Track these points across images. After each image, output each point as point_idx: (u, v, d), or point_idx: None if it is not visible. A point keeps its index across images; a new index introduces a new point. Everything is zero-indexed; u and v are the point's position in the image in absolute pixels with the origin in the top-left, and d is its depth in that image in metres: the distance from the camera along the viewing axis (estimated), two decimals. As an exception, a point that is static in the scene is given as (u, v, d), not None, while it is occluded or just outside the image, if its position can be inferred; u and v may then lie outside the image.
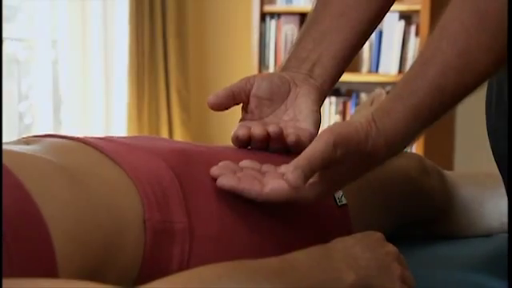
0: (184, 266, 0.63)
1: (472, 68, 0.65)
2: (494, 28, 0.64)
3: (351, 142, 0.65)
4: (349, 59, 0.87)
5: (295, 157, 0.64)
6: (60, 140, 0.69)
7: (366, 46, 3.02)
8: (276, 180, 0.66)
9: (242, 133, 0.79)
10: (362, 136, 0.66)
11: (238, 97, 0.83)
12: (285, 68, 0.86)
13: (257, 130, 0.78)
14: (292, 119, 0.83)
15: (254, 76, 0.84)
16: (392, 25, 2.92)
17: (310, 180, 0.65)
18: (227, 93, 0.82)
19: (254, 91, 0.83)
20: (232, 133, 0.80)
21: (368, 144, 0.66)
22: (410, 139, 0.69)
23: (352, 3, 0.86)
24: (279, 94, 0.84)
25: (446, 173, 1.04)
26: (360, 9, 0.86)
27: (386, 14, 0.89)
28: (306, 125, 0.82)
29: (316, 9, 0.89)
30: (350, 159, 0.66)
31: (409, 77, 0.68)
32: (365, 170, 0.69)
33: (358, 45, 0.88)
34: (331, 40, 0.85)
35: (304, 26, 0.89)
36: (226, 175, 0.68)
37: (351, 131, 0.66)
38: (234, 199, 0.69)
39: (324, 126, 3.03)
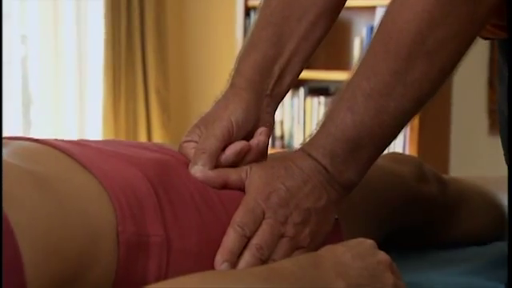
0: (161, 281, 0.63)
1: (379, 89, 0.71)
2: (396, 50, 0.70)
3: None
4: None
5: None
6: (28, 143, 0.69)
7: (357, 42, 3.04)
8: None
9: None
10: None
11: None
12: (247, 80, 0.83)
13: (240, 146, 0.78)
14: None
15: (232, 124, 0.79)
16: (384, 20, 2.94)
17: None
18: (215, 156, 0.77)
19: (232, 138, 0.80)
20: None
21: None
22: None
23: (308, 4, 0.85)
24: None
25: (451, 179, 1.05)
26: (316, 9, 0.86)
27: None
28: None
29: (270, 9, 0.87)
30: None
31: (331, 103, 0.76)
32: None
33: (317, 46, 0.89)
34: (293, 48, 0.85)
35: (257, 24, 0.87)
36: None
37: None
38: (215, 212, 0.69)
39: (313, 125, 3.00)
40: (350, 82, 0.73)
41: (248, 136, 0.80)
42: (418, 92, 0.71)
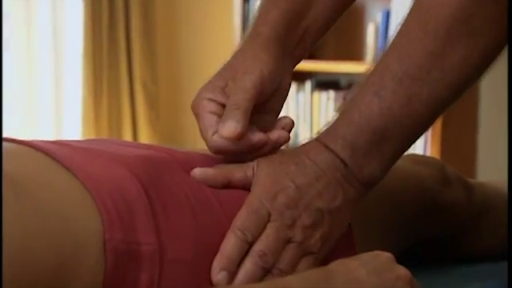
0: None
1: (412, 73, 0.70)
2: (434, 29, 0.69)
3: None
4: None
5: None
6: (4, 143, 0.69)
7: (371, 29, 3.04)
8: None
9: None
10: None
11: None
12: (275, 30, 0.83)
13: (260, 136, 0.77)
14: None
15: (265, 76, 0.78)
16: (401, 4, 2.93)
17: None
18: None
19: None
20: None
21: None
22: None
23: None
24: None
25: (477, 184, 1.05)
26: None
27: None
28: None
29: None
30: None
31: (356, 88, 0.75)
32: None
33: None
34: (321, 7, 0.86)
35: None
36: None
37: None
38: (213, 214, 0.70)
39: (321, 123, 3.00)
40: (378, 64, 0.73)
41: (272, 96, 0.79)
42: (456, 78, 0.71)
